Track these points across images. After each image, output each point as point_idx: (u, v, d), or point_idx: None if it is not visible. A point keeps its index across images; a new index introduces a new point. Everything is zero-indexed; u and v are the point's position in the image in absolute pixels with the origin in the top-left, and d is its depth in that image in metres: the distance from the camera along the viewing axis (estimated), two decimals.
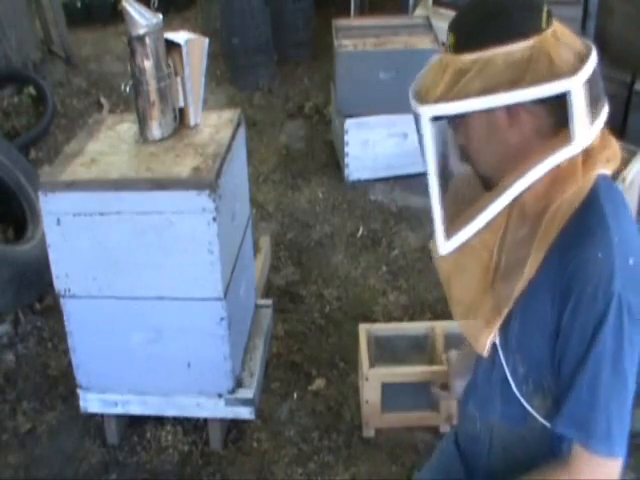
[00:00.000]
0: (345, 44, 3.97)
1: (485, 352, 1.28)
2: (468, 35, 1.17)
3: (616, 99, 4.03)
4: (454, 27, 1.19)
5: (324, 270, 3.50)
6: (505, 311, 1.24)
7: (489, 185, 1.26)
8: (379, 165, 4.09)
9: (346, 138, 4.03)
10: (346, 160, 4.12)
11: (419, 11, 4.74)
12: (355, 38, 4.01)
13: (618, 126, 4.05)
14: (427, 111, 1.17)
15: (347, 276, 3.45)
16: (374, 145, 4.03)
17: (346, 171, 4.16)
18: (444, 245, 1.25)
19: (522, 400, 1.30)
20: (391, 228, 3.76)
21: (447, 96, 1.15)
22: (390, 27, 4.16)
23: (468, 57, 1.15)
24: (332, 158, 4.43)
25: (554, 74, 1.12)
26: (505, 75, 1.13)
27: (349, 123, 3.99)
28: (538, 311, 1.22)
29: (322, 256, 3.60)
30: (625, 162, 3.10)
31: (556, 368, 1.22)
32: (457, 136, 1.28)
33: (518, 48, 1.13)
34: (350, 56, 3.93)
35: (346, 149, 4.07)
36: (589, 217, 1.18)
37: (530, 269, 1.19)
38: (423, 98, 1.19)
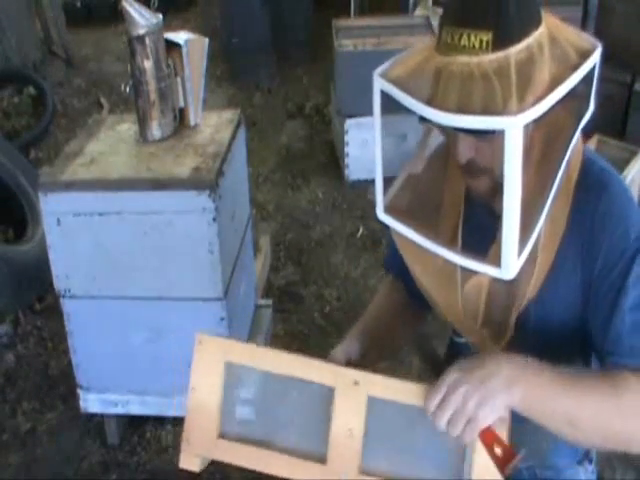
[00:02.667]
0: (345, 44, 3.97)
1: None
2: (509, 28, 1.02)
3: (616, 99, 4.05)
4: (488, 23, 1.01)
5: (324, 270, 3.50)
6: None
7: (497, 191, 1.15)
8: None
9: (346, 138, 4.03)
10: (346, 160, 4.12)
11: (419, 11, 4.73)
12: (355, 38, 4.01)
13: (618, 126, 4.05)
14: (522, 120, 0.98)
15: (347, 276, 3.45)
16: (374, 145, 4.02)
17: (346, 171, 4.16)
18: (384, 216, 1.21)
19: None
20: None
21: (527, 97, 1.00)
22: (390, 27, 4.16)
23: (514, 50, 1.02)
24: (332, 158, 4.42)
25: (578, 49, 1.07)
26: (566, 56, 1.05)
27: (349, 123, 3.99)
28: (565, 285, 1.22)
29: (322, 256, 3.60)
30: (625, 162, 3.10)
31: (592, 322, 1.22)
32: (484, 146, 1.11)
33: (542, 29, 1.05)
34: (350, 56, 3.93)
35: (346, 149, 4.07)
36: (589, 176, 1.20)
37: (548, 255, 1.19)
38: (472, 110, 1.00)
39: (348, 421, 1.11)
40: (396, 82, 1.08)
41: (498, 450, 1.04)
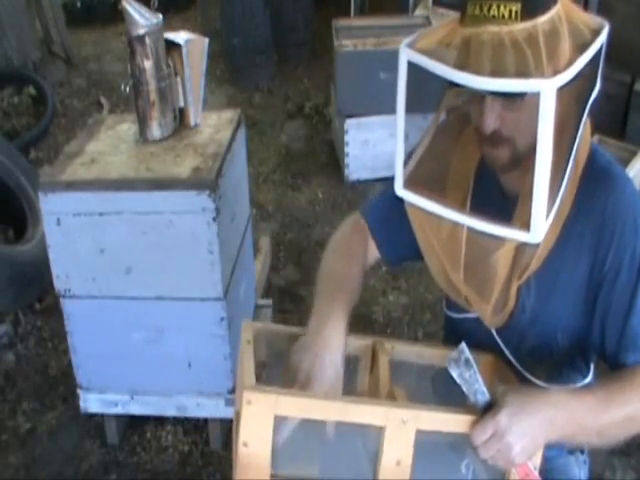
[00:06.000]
0: (345, 44, 3.97)
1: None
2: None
3: (616, 99, 4.04)
4: None
5: None
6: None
7: (515, 164, 1.21)
8: (379, 165, 4.08)
9: (346, 138, 4.03)
10: (346, 160, 4.12)
11: (419, 11, 4.73)
12: (355, 38, 4.01)
13: (618, 126, 4.05)
14: (556, 82, 1.02)
15: None
16: (374, 145, 4.03)
17: (346, 171, 4.16)
18: (403, 192, 1.24)
19: (524, 372, 1.35)
20: None
21: (558, 62, 1.05)
22: (390, 27, 4.16)
23: (540, 20, 1.06)
24: (332, 158, 4.42)
25: (589, 27, 1.12)
26: (581, 32, 1.10)
27: (349, 123, 3.99)
28: (568, 269, 1.25)
29: (322, 256, 3.59)
30: (625, 162, 3.10)
31: (597, 316, 1.26)
32: (509, 115, 1.15)
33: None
34: (350, 56, 3.93)
35: (346, 149, 4.07)
36: (597, 165, 1.24)
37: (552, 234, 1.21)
38: (506, 74, 1.04)
39: (397, 454, 1.15)
40: (425, 52, 1.10)
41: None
